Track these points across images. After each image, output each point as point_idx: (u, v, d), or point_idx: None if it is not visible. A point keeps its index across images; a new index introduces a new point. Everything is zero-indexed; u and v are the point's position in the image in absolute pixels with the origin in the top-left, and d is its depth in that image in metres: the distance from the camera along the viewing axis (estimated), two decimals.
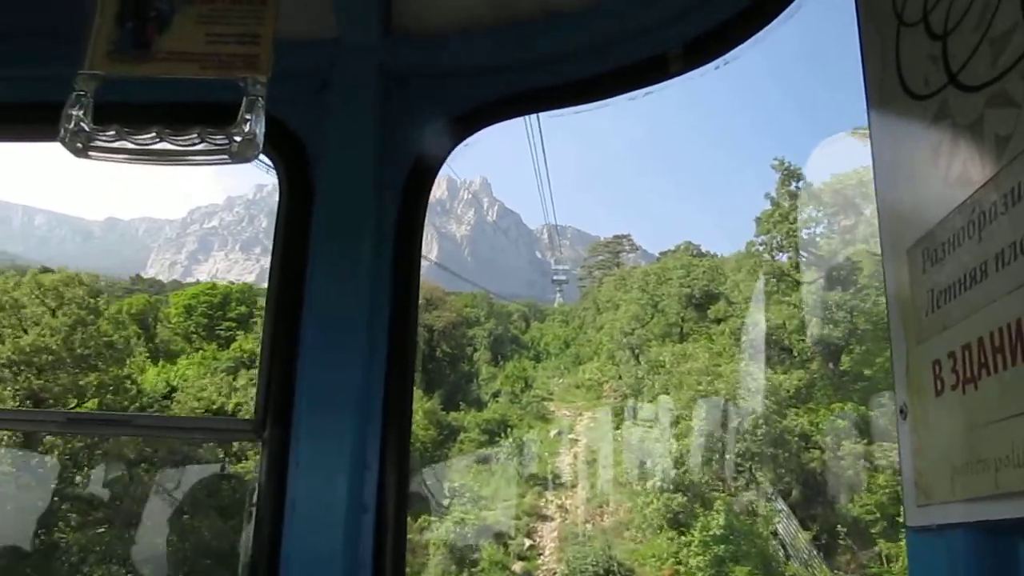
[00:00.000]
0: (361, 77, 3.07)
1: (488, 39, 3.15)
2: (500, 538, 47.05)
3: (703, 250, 70.17)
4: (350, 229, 3.00)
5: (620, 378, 58.91)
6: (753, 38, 2.93)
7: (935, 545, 1.76)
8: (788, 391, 49.31)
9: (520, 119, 3.46)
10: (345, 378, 2.86)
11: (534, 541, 48.17)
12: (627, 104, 3.80)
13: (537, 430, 59.73)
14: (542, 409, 64.37)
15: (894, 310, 1.95)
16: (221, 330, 73.38)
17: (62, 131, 2.26)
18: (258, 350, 64.62)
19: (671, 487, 46.85)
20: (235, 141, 2.25)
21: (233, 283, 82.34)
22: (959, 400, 1.64)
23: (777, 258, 56.18)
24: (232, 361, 66.86)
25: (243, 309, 76.00)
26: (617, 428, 54.57)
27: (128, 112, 2.40)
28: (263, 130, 2.31)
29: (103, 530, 39.61)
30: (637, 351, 58.27)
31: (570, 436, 60.03)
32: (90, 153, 2.26)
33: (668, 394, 52.40)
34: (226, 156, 2.26)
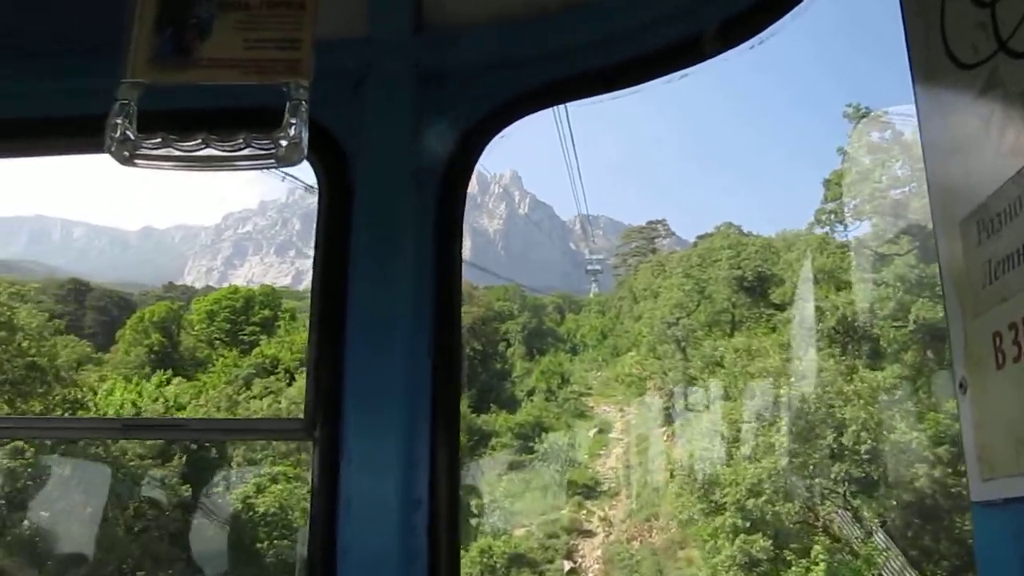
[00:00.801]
0: (395, 75, 3.06)
1: (520, 30, 3.11)
2: (535, 568, 41.55)
3: (745, 231, 63.67)
4: (390, 227, 3.00)
5: (665, 374, 52.87)
6: (790, 13, 2.88)
7: (1001, 519, 1.73)
8: (883, 389, 39.66)
9: (548, 110, 3.38)
10: (392, 375, 2.85)
11: (575, 563, 42.57)
12: (656, 89, 3.66)
13: (575, 430, 54.65)
14: (580, 405, 61.23)
15: (948, 285, 1.93)
16: (244, 335, 69.93)
17: (107, 140, 2.27)
18: (280, 355, 61.56)
19: (745, 522, 37.35)
20: (281, 145, 2.28)
21: (254, 287, 78.70)
22: (1021, 372, 1.63)
23: (854, 226, 47.33)
24: (253, 368, 63.08)
25: (267, 313, 74.03)
26: (663, 427, 48.81)
27: (171, 119, 2.43)
28: (307, 134, 2.32)
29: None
30: (683, 343, 52.18)
31: (611, 435, 54.56)
32: (136, 161, 2.27)
33: (731, 398, 43.31)
34: (272, 161, 2.29)
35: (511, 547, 41.83)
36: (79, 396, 47.77)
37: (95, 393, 47.13)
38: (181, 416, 42.89)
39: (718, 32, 2.90)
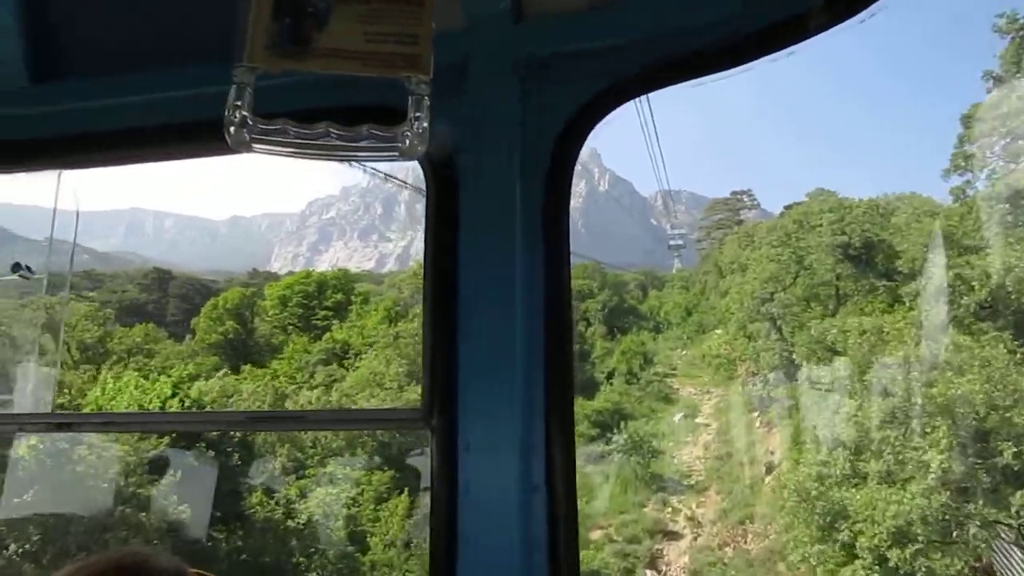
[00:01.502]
0: (496, 66, 3.05)
1: (621, 14, 3.03)
2: None
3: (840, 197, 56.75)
4: (498, 216, 2.99)
5: (758, 356, 46.88)
6: None
7: None
8: None
9: None
10: (506, 362, 2.85)
11: (659, 572, 37.22)
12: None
13: (658, 415, 49.75)
14: (664, 387, 56.31)
15: None
16: (317, 320, 67.62)
17: (227, 124, 2.27)
18: (351, 339, 58.84)
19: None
20: (404, 138, 2.28)
21: (327, 271, 76.55)
22: None
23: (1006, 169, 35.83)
24: (323, 353, 60.53)
25: (339, 297, 71.79)
26: (758, 414, 43.25)
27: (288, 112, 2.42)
28: (428, 128, 2.30)
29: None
30: (779, 320, 46.09)
31: (698, 420, 49.35)
32: (254, 145, 2.27)
33: (854, 392, 32.24)
34: (395, 153, 2.30)
35: (587, 558, 36.83)
36: None
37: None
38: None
39: (825, 7, 2.84)
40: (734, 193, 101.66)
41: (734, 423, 45.91)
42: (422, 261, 3.12)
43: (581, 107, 3.07)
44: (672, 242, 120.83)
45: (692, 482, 43.01)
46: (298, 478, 40.19)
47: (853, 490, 28.80)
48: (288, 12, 2.34)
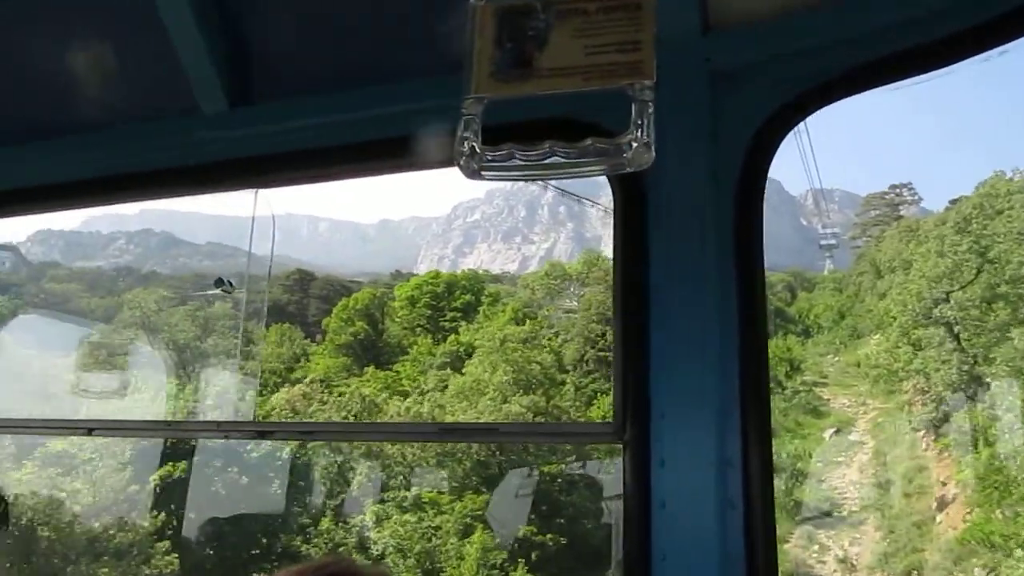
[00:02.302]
0: (686, 76, 2.99)
1: (811, 20, 2.97)
2: None
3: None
4: (689, 229, 2.95)
5: (928, 370, 38.96)
6: None
7: None
8: None
9: None
10: (700, 376, 2.82)
11: None
12: None
13: (805, 431, 43.32)
14: (813, 398, 49.95)
15: None
16: (445, 321, 64.88)
17: (456, 154, 2.32)
18: (476, 342, 55.84)
19: None
20: (630, 148, 2.23)
21: (457, 272, 73.96)
22: None
23: None
24: (447, 356, 57.47)
25: (468, 298, 68.40)
26: (928, 435, 35.98)
27: (505, 131, 2.45)
28: (655, 135, 2.25)
29: None
30: (956, 327, 38.19)
31: (852, 436, 42.51)
32: (483, 173, 2.32)
33: None
34: (622, 164, 2.25)
35: None
36: None
37: None
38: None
39: None
40: (892, 187, 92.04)
41: (896, 444, 38.72)
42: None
43: (772, 116, 3.00)
44: (824, 241, 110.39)
45: (844, 513, 35.96)
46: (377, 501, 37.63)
47: None
48: (510, 37, 2.36)
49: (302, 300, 79.00)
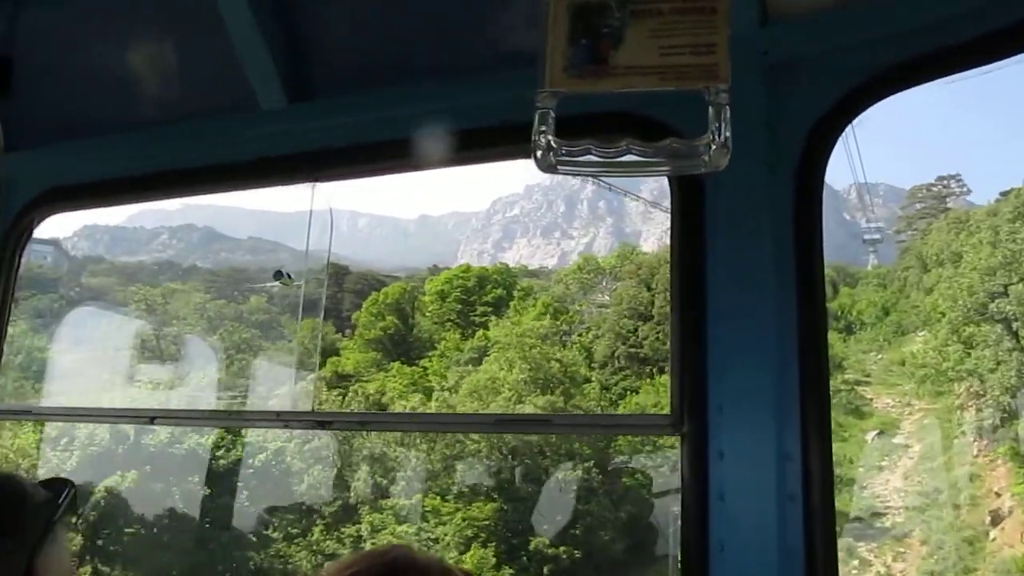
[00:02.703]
0: (744, 69, 2.74)
1: (869, 11, 2.96)
2: None
3: None
4: (747, 221, 2.93)
5: (981, 375, 35.51)
6: None
7: None
8: None
9: None
10: (758, 369, 2.78)
11: None
12: None
13: (846, 433, 40.55)
14: (855, 398, 47.06)
15: None
16: (475, 316, 63.06)
17: (533, 149, 2.31)
18: (503, 337, 54.16)
19: None
20: (708, 149, 2.21)
21: (488, 266, 72.22)
22: None
23: None
24: (475, 351, 55.74)
25: (499, 292, 66.31)
26: (979, 441, 32.88)
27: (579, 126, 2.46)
28: (731, 136, 2.22)
29: None
30: (1015, 323, 34.82)
31: (896, 440, 39.68)
32: (559, 168, 2.30)
33: None
34: (699, 165, 2.23)
35: None
36: None
37: None
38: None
39: None
40: (940, 178, 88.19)
41: (945, 449, 35.58)
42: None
43: (830, 108, 2.95)
44: (867, 236, 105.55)
45: (888, 524, 32.97)
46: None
47: None
48: (584, 34, 2.33)
49: (336, 295, 78.16)
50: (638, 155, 2.23)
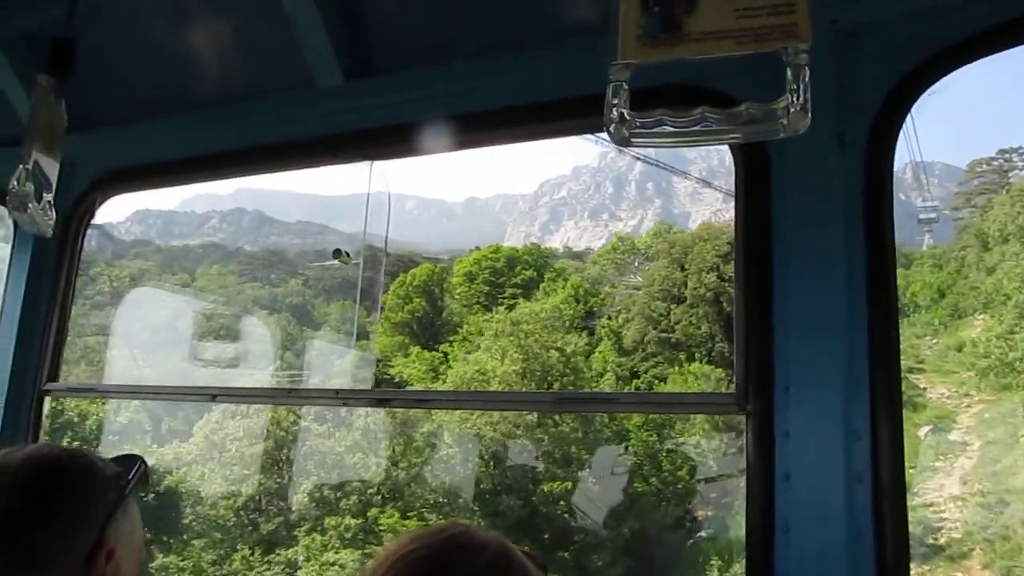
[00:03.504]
0: (814, 35, 2.55)
1: None
2: None
3: None
4: (815, 194, 2.79)
5: None
6: None
7: None
8: None
9: None
10: (826, 349, 2.64)
11: None
12: None
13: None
14: (906, 387, 41.37)
15: None
16: (504, 298, 59.52)
17: (606, 121, 2.22)
18: (525, 323, 50.78)
19: None
20: (787, 114, 2.09)
21: (519, 246, 68.33)
22: None
23: None
24: (495, 336, 52.08)
25: (530, 273, 62.15)
26: None
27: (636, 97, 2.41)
28: (810, 100, 2.10)
29: None
30: None
31: (952, 436, 34.63)
32: (633, 140, 2.23)
33: None
34: (777, 130, 2.12)
35: None
36: None
37: None
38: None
39: None
40: (1001, 151, 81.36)
41: (1012, 449, 30.04)
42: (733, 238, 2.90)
43: (903, 77, 2.79)
44: (923, 215, 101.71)
45: (942, 541, 27.37)
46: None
47: None
48: (656, 1, 2.25)
49: (372, 277, 75.94)
50: (713, 123, 2.12)
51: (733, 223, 2.92)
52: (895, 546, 2.49)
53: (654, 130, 2.15)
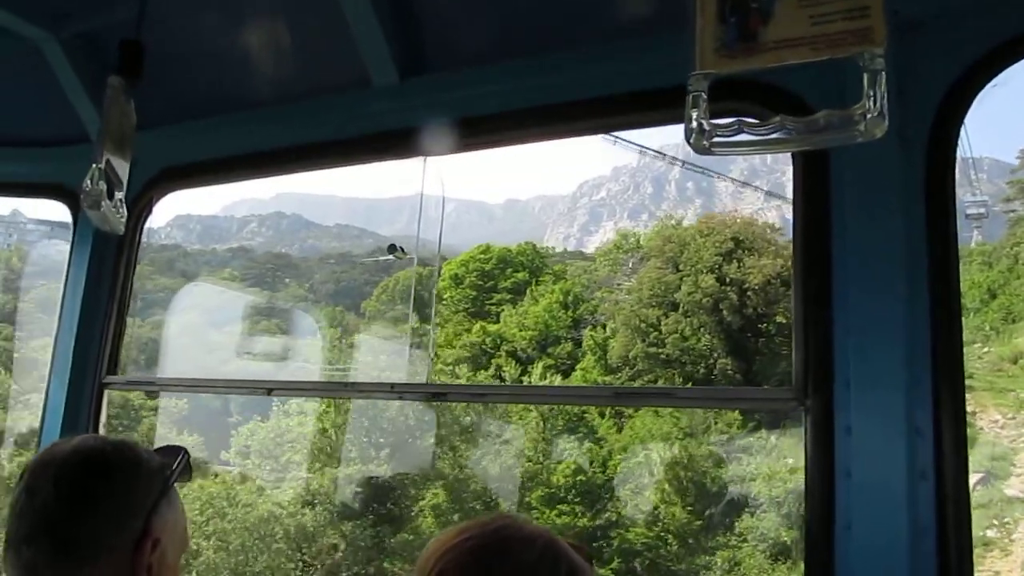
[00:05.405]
0: None
1: None
2: None
3: None
4: (874, 190, 2.67)
5: None
6: None
7: None
8: None
9: None
10: (886, 339, 2.53)
11: None
12: None
13: None
14: None
15: None
16: (491, 304, 50.91)
17: (687, 132, 2.20)
18: (506, 331, 43.11)
19: None
20: (864, 119, 2.00)
21: (511, 245, 59.07)
22: None
23: None
24: (469, 348, 44.08)
25: (522, 276, 53.41)
26: None
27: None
28: (888, 105, 2.01)
29: None
30: None
31: (1006, 488, 24.24)
32: (713, 149, 2.17)
33: None
34: (856, 136, 2.02)
35: None
36: None
37: None
38: None
39: None
40: None
41: None
42: (792, 237, 2.79)
43: (965, 70, 2.63)
44: (970, 211, 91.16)
45: None
46: None
47: None
48: (733, 11, 2.20)
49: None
50: (791, 131, 2.06)
51: (791, 221, 2.76)
52: (958, 544, 2.37)
53: (733, 139, 2.09)
